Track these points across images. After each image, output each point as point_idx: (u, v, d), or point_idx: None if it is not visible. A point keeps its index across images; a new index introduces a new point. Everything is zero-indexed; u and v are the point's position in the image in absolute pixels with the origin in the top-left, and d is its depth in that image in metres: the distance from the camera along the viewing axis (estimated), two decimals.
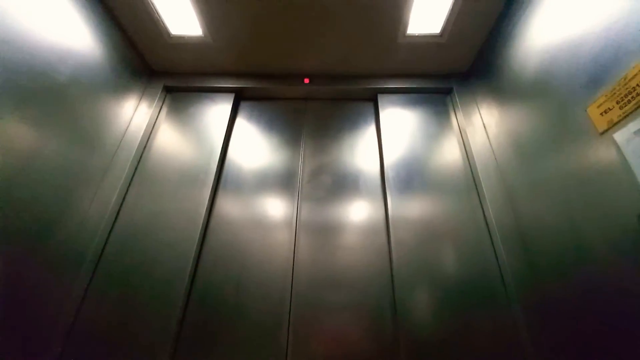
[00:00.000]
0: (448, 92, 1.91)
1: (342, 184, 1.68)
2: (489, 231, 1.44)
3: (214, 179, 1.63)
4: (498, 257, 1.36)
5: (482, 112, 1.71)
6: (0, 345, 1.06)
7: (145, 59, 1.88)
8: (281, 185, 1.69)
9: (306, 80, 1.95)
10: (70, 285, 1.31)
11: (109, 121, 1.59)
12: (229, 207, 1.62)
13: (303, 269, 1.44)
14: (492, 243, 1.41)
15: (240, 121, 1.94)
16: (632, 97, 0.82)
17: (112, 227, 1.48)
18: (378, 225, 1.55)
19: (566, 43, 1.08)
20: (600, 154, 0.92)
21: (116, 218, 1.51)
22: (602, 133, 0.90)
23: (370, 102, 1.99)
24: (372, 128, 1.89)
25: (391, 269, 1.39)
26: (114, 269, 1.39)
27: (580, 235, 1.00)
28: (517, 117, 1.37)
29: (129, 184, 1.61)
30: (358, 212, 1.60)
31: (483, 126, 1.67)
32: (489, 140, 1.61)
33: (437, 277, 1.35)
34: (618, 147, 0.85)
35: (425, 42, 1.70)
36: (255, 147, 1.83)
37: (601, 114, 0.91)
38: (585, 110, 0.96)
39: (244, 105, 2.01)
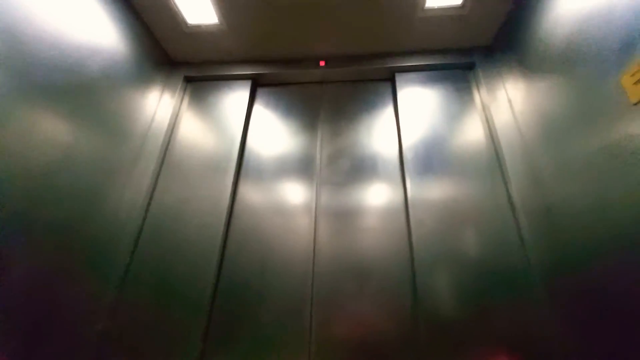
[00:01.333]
0: (470, 67, 1.82)
1: (361, 167, 1.68)
2: (513, 212, 1.40)
3: (236, 166, 1.69)
4: (523, 239, 1.34)
5: (507, 87, 1.63)
6: (48, 318, 1.20)
7: (165, 50, 1.94)
8: (300, 171, 1.72)
9: (322, 63, 1.93)
10: (109, 267, 1.43)
11: (135, 113, 1.68)
12: (251, 193, 1.69)
13: (324, 252, 1.49)
14: (517, 225, 1.38)
15: (257, 108, 1.97)
16: None
17: (145, 214, 1.59)
18: (397, 207, 1.55)
19: (597, 9, 0.99)
20: (634, 126, 0.86)
21: (149, 205, 1.62)
22: (637, 104, 0.85)
23: (387, 82, 1.95)
24: (390, 108, 1.86)
25: (411, 251, 1.41)
26: (149, 252, 1.51)
27: (611, 216, 0.96)
28: (545, 90, 1.30)
29: (158, 173, 1.71)
30: (377, 195, 1.61)
31: (508, 102, 1.60)
32: (515, 117, 1.54)
33: (458, 259, 1.35)
34: None
35: (446, 15, 1.62)
36: (273, 133, 1.86)
37: (635, 83, 0.84)
38: (618, 80, 0.90)
39: (261, 91, 2.03)
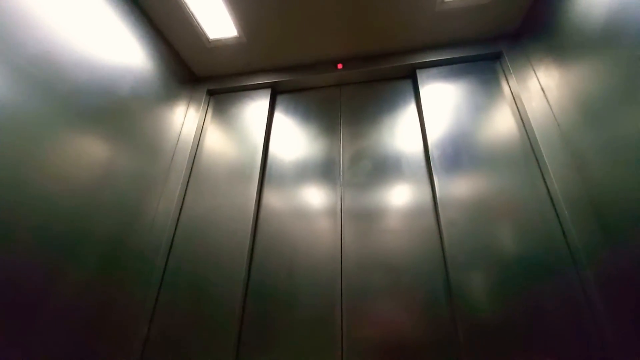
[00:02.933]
0: (497, 57, 1.74)
1: (384, 168, 1.65)
2: (552, 204, 1.31)
3: (259, 173, 1.71)
4: (565, 231, 1.24)
5: (539, 74, 1.53)
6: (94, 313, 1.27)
7: (189, 66, 2.02)
8: (322, 174, 1.71)
9: (339, 66, 1.92)
10: (149, 274, 1.50)
11: (165, 129, 1.76)
12: (275, 198, 1.70)
13: (351, 254, 1.47)
14: (558, 216, 1.28)
15: (278, 115, 2.00)
16: None
17: (177, 223, 1.65)
18: (425, 206, 1.49)
19: None
20: None
21: (180, 215, 1.68)
22: None
23: (408, 80, 1.90)
24: (412, 106, 1.81)
25: (443, 250, 1.35)
26: (182, 259, 1.56)
27: None
28: (583, 74, 1.20)
29: (187, 184, 1.77)
30: (403, 194, 1.56)
31: (541, 90, 1.50)
32: (549, 105, 1.44)
33: (495, 256, 1.27)
34: None
35: (467, 6, 1.56)
36: (294, 138, 1.88)
37: None
38: None
39: (280, 99, 2.06)
